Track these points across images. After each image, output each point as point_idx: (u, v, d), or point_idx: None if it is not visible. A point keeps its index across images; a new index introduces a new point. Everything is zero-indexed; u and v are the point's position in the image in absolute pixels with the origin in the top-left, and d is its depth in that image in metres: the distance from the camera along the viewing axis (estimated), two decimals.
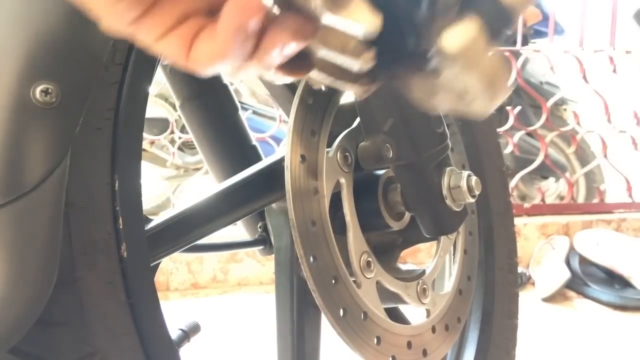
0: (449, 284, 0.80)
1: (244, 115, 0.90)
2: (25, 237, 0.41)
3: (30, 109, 0.41)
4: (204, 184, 2.77)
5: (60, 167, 0.42)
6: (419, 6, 0.31)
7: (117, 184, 0.49)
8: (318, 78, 0.34)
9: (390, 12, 0.31)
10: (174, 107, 2.59)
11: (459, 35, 0.30)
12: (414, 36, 0.33)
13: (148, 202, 3.10)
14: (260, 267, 2.24)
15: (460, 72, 0.31)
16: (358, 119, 0.67)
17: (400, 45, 0.34)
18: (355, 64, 0.32)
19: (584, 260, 2.28)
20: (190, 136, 0.89)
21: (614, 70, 2.60)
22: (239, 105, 0.89)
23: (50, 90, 0.42)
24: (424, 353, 0.71)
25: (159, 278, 2.16)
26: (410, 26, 0.32)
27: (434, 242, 0.79)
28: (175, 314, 1.82)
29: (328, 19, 0.29)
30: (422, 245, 1.63)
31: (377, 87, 0.37)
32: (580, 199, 3.04)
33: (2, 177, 0.41)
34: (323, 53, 0.32)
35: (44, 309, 0.43)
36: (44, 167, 0.42)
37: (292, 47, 0.30)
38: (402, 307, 0.80)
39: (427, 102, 0.36)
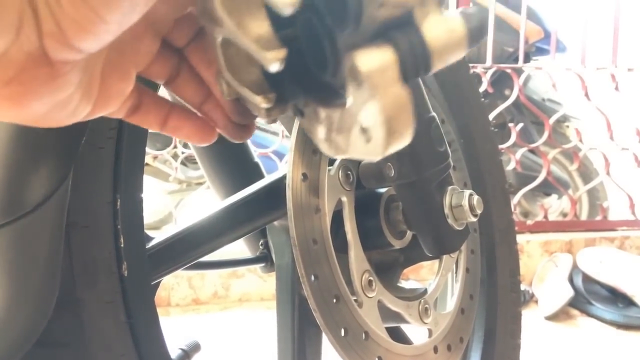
0: (451, 303, 0.79)
1: None
2: (26, 257, 0.41)
3: (33, 128, 0.41)
4: (207, 198, 2.77)
5: (63, 187, 0.42)
6: (342, 22, 0.30)
7: (118, 203, 0.49)
8: (229, 80, 0.36)
9: (312, 23, 0.32)
10: None
11: (371, 59, 0.30)
12: (329, 64, 0.33)
13: (150, 216, 3.10)
14: (261, 283, 2.23)
15: (364, 100, 0.30)
16: None
17: (313, 74, 0.34)
18: (265, 57, 0.31)
19: (587, 279, 2.27)
20: (192, 151, 0.89)
21: (616, 88, 2.61)
22: None
23: None
24: None
25: (160, 293, 2.15)
26: (329, 48, 0.32)
27: (436, 260, 0.78)
28: (176, 329, 1.81)
29: (235, 37, 0.29)
30: (424, 262, 1.62)
31: (280, 113, 0.38)
32: (583, 216, 3.03)
33: (4, 197, 0.41)
34: (239, 38, 0.32)
35: (44, 329, 0.43)
36: (46, 187, 0.42)
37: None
38: (404, 327, 0.80)
39: (327, 140, 0.36)
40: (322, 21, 0.31)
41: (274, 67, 0.31)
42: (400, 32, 0.30)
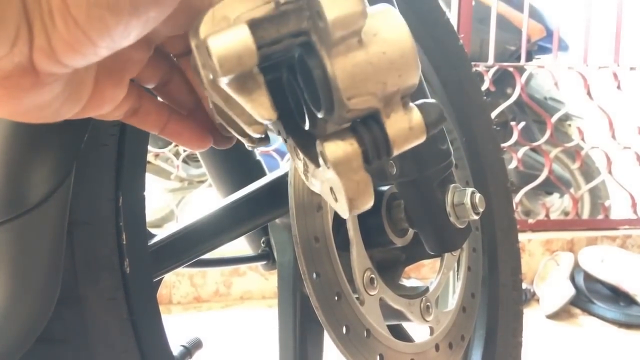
0: (452, 301, 0.79)
1: None
2: (28, 254, 0.41)
3: (36, 125, 0.41)
4: (208, 196, 2.77)
5: (65, 184, 0.42)
6: (318, 108, 0.33)
7: (121, 200, 0.49)
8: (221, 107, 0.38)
9: (288, 108, 0.36)
10: None
11: (338, 150, 0.33)
12: (307, 121, 0.37)
13: (152, 214, 3.10)
14: (263, 281, 2.23)
15: (331, 177, 0.34)
16: None
17: (290, 119, 0.38)
18: (247, 129, 0.36)
19: (588, 277, 2.27)
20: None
21: (618, 87, 2.60)
22: None
23: None
24: None
25: (162, 291, 2.15)
26: (307, 113, 0.36)
27: (438, 258, 0.78)
28: (177, 327, 1.81)
29: (233, 95, 0.32)
30: (425, 260, 1.62)
31: (265, 145, 0.43)
32: (585, 215, 3.03)
33: (6, 194, 0.41)
34: (225, 110, 0.36)
35: (46, 326, 0.43)
36: (48, 184, 0.42)
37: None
38: (405, 325, 0.80)
39: (304, 175, 0.40)
40: (302, 95, 0.35)
41: (256, 136, 0.36)
42: (366, 126, 0.34)
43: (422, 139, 0.35)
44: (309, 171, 0.39)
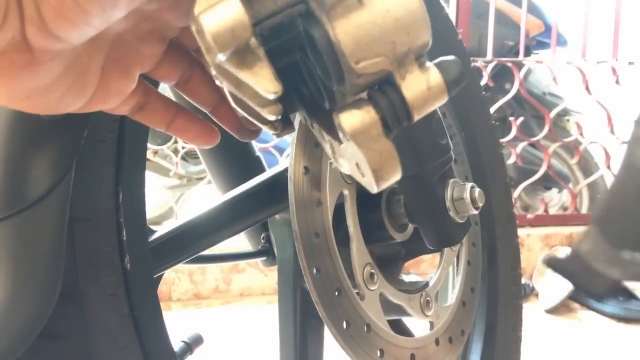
0: (452, 296, 0.79)
1: None
2: (29, 250, 0.41)
3: (36, 121, 0.41)
4: (207, 193, 2.77)
5: (65, 180, 0.42)
6: (329, 79, 0.32)
7: (121, 196, 0.49)
8: (239, 110, 0.38)
9: (295, 83, 0.34)
10: None
11: (354, 120, 0.32)
12: (325, 99, 0.36)
13: (151, 211, 3.10)
14: (262, 277, 2.23)
15: (354, 151, 0.33)
16: None
17: (311, 102, 0.37)
18: (262, 112, 0.34)
19: None
20: (193, 146, 0.90)
21: (617, 82, 2.60)
22: None
23: None
24: None
25: (161, 288, 2.15)
26: (323, 90, 0.35)
27: (437, 253, 0.78)
28: (177, 324, 1.81)
29: (235, 73, 0.31)
30: (425, 256, 1.63)
31: (290, 132, 0.41)
32: (584, 210, 3.03)
33: (7, 190, 0.41)
34: (238, 95, 0.34)
35: (47, 322, 0.43)
36: (48, 180, 0.42)
37: None
38: (405, 319, 0.80)
39: (333, 157, 0.39)
40: (313, 68, 0.34)
41: (271, 119, 0.34)
42: (381, 91, 0.32)
43: (443, 99, 0.33)
44: (336, 151, 0.38)
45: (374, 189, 0.34)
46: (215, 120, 0.43)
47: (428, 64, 0.33)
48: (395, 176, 0.34)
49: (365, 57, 0.30)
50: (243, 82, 0.31)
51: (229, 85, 0.33)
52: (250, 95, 0.33)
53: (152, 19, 0.34)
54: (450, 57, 0.34)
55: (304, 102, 0.36)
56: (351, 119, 0.32)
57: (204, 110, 0.43)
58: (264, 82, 0.30)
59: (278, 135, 0.41)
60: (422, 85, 0.32)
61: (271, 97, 0.31)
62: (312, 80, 0.35)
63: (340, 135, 0.33)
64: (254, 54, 0.30)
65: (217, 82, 0.35)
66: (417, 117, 0.33)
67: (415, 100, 0.32)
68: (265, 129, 0.40)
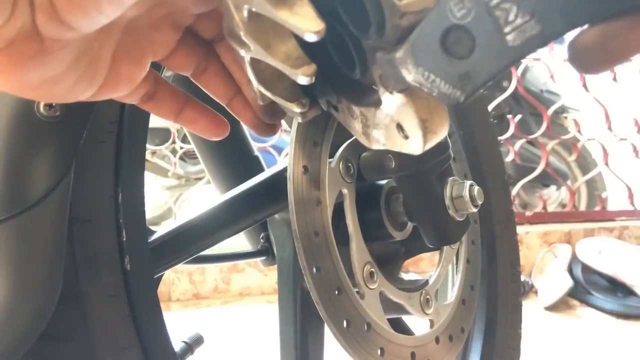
0: (452, 294, 0.79)
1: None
2: (29, 252, 0.41)
3: (34, 122, 0.41)
4: (206, 193, 2.77)
5: (64, 181, 0.42)
6: (366, 30, 0.30)
7: (120, 197, 0.49)
8: (263, 91, 0.36)
9: (336, 29, 0.32)
10: None
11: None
12: (357, 65, 0.34)
13: (150, 212, 3.10)
14: (262, 277, 2.23)
15: (398, 104, 0.31)
16: None
17: (343, 73, 0.34)
18: (296, 74, 0.32)
19: (586, 269, 2.28)
20: (191, 146, 0.90)
21: (614, 78, 2.60)
22: None
23: (54, 104, 0.42)
24: None
25: (161, 288, 2.15)
26: (355, 52, 0.33)
27: (437, 252, 0.79)
28: (176, 324, 1.81)
29: (273, 14, 0.29)
30: (424, 254, 1.63)
31: (315, 113, 0.38)
32: (582, 207, 3.04)
33: (6, 191, 0.41)
34: (268, 60, 0.32)
35: (47, 323, 0.43)
36: (48, 181, 0.42)
37: None
38: (405, 318, 0.80)
39: (364, 134, 0.37)
40: (346, 28, 0.32)
41: (306, 82, 0.32)
42: None
43: None
44: (370, 124, 0.36)
45: (420, 146, 0.32)
46: (232, 114, 0.42)
47: None
48: (445, 127, 0.32)
49: None
50: (275, 40, 0.30)
51: (258, 49, 0.31)
52: (282, 57, 0.32)
53: (165, 4, 0.34)
54: None
55: (332, 78, 0.34)
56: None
57: (221, 103, 0.42)
58: (305, 20, 0.29)
59: (304, 117, 0.39)
60: None
61: (313, 38, 0.29)
62: (341, 48, 0.33)
63: (382, 94, 0.32)
64: None
65: (242, 53, 0.33)
66: None
67: None
68: (292, 107, 0.37)
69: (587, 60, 0.24)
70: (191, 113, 0.41)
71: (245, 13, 0.30)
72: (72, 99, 0.33)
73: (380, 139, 0.36)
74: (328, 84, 0.36)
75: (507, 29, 0.26)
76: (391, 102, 0.32)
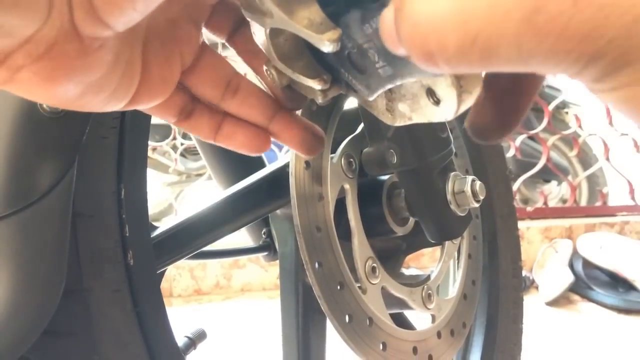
0: (453, 289, 0.80)
1: None
2: (32, 247, 0.41)
3: (37, 118, 0.41)
4: (207, 189, 2.77)
5: (67, 176, 0.43)
6: None
7: (123, 192, 0.49)
8: (281, 69, 0.34)
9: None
10: None
11: None
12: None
13: (150, 208, 3.09)
14: (263, 272, 2.24)
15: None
16: (362, 125, 0.67)
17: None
18: (322, 40, 0.31)
19: (587, 264, 2.28)
20: (192, 142, 0.90)
21: None
22: None
23: None
24: (430, 358, 0.70)
25: (162, 284, 2.15)
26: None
27: (438, 247, 0.79)
28: (178, 320, 1.82)
29: None
30: (425, 250, 1.64)
31: (336, 92, 0.37)
32: (583, 202, 3.04)
33: (10, 187, 0.41)
34: (291, 27, 0.31)
35: (51, 318, 0.43)
36: (51, 177, 0.42)
37: None
38: (407, 313, 0.80)
39: (388, 110, 0.36)
40: None
41: (331, 48, 0.31)
42: None
43: None
44: (395, 97, 0.35)
45: (455, 108, 0.31)
46: (276, 138, 0.40)
47: None
48: (479, 87, 0.31)
49: None
50: (297, 6, 0.30)
51: (280, 16, 0.31)
52: (306, 24, 0.31)
53: None
54: None
55: (349, 59, 0.33)
56: None
57: (261, 125, 0.40)
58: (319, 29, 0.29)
59: (324, 96, 0.37)
60: None
61: (328, 48, 0.29)
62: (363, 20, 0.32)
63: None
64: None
65: (260, 25, 0.32)
66: None
67: None
68: (313, 84, 0.36)
69: None
70: (230, 127, 0.39)
71: None
72: (111, 108, 0.33)
73: (406, 112, 0.35)
74: (348, 63, 0.35)
75: (377, 65, 0.31)
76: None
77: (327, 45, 0.31)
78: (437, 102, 0.32)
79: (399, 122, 0.36)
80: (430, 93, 0.32)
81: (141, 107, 0.35)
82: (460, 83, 0.30)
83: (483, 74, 0.31)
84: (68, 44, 0.28)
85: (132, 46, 0.32)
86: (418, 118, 0.34)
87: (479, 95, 0.31)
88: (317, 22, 0.31)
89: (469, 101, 0.31)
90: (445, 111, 0.32)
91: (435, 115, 0.33)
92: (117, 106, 0.34)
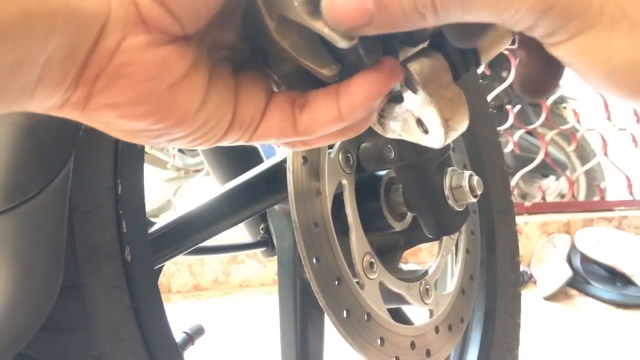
0: (451, 284, 0.80)
1: None
2: (29, 243, 0.41)
3: (33, 113, 0.41)
4: (205, 185, 2.77)
5: (64, 172, 0.42)
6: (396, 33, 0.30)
7: (120, 188, 0.49)
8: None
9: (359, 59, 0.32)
10: None
11: (425, 68, 0.31)
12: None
13: (149, 204, 3.08)
14: (261, 268, 2.24)
15: (421, 102, 0.32)
16: None
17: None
18: (322, 72, 0.32)
19: (585, 259, 2.28)
20: None
21: None
22: None
23: None
24: (428, 353, 0.71)
25: (161, 280, 2.15)
26: (384, 51, 0.33)
27: (436, 242, 0.79)
28: (177, 316, 1.82)
29: (309, 24, 0.29)
30: (423, 245, 1.64)
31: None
32: (581, 197, 3.04)
33: (6, 182, 0.41)
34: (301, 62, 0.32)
35: (49, 314, 0.43)
36: (47, 172, 0.42)
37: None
38: (405, 308, 0.80)
39: (380, 123, 0.37)
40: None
41: (346, 44, 0.31)
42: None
43: (508, 40, 0.33)
44: (386, 115, 0.36)
45: (441, 142, 0.33)
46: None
47: None
48: (465, 125, 0.33)
49: None
50: (303, 40, 0.30)
51: (291, 47, 0.31)
52: (309, 59, 0.32)
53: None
54: None
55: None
56: (421, 68, 0.31)
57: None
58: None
59: (333, 75, 0.35)
60: None
61: (345, 45, 0.29)
62: (369, 45, 0.33)
63: (404, 92, 0.32)
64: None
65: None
66: (484, 61, 0.32)
67: (482, 43, 0.32)
68: (323, 72, 0.34)
69: None
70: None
71: (285, 8, 0.30)
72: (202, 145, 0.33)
73: (397, 130, 0.36)
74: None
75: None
76: (413, 99, 0.32)
77: (343, 42, 0.31)
78: (425, 131, 0.34)
79: (390, 136, 0.37)
80: (420, 123, 0.33)
81: (226, 143, 0.34)
82: (448, 123, 0.32)
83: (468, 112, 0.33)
84: (135, 36, 0.27)
85: (223, 77, 0.32)
86: (407, 137, 0.35)
87: (521, 56, 0.31)
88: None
89: (455, 136, 0.32)
90: (433, 141, 0.34)
91: (423, 141, 0.34)
92: (206, 144, 0.33)
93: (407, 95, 0.33)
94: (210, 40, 0.31)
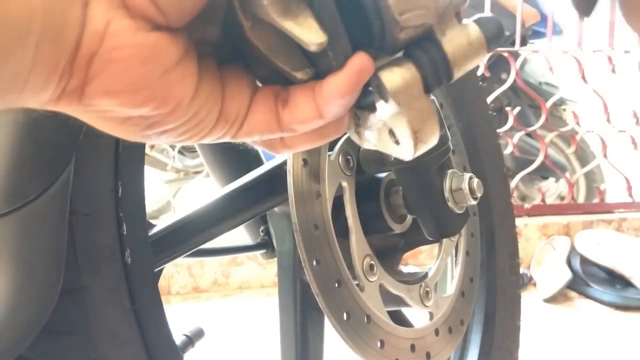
0: (451, 286, 0.80)
1: None
2: (30, 245, 0.41)
3: (34, 116, 0.41)
4: (205, 187, 2.77)
5: (64, 175, 0.42)
6: (369, 41, 0.31)
7: (120, 190, 0.49)
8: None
9: (338, 35, 0.32)
10: None
11: (396, 77, 0.31)
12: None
13: (148, 205, 3.07)
14: (261, 270, 2.24)
15: (391, 113, 0.32)
16: None
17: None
18: (296, 76, 0.32)
19: (585, 261, 2.28)
20: None
21: (613, 70, 2.60)
22: None
23: None
24: (428, 356, 0.71)
25: (160, 282, 2.15)
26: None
27: (436, 244, 0.79)
28: (176, 318, 1.82)
29: (278, 24, 0.30)
30: (423, 247, 1.64)
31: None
32: (581, 199, 3.04)
33: (7, 185, 0.41)
34: (272, 59, 0.32)
35: (49, 317, 0.43)
36: (48, 175, 0.42)
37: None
38: (405, 310, 0.80)
39: (356, 132, 0.37)
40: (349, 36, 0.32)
41: (315, 48, 0.31)
42: (422, 48, 0.31)
43: (482, 55, 0.33)
44: (361, 124, 0.36)
45: (411, 154, 0.33)
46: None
47: (466, 20, 0.32)
48: (435, 138, 0.33)
49: (410, 8, 0.29)
50: (277, 45, 0.30)
51: (262, 48, 0.32)
52: (283, 60, 0.32)
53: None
54: (488, 14, 0.33)
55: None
56: (392, 77, 0.31)
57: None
58: (308, 32, 0.30)
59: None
60: (462, 40, 0.31)
61: (316, 48, 0.30)
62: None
63: (377, 101, 0.32)
64: (298, 3, 0.29)
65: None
66: (457, 75, 0.32)
67: (456, 56, 0.32)
68: (296, 75, 0.35)
69: None
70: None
71: (257, 8, 0.30)
72: (187, 141, 0.33)
73: (372, 140, 0.36)
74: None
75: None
76: (385, 109, 0.32)
77: (302, 78, 0.33)
78: (397, 142, 0.34)
79: (366, 146, 0.37)
80: (392, 134, 0.33)
81: (209, 141, 0.35)
82: (417, 135, 0.32)
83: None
84: (120, 19, 0.27)
85: (210, 70, 0.32)
86: (382, 148, 0.35)
87: None
88: (293, 58, 0.32)
89: (424, 149, 0.33)
90: (404, 153, 0.34)
91: (395, 153, 0.34)
92: (193, 139, 0.33)
93: (380, 104, 0.33)
94: (195, 36, 0.31)
